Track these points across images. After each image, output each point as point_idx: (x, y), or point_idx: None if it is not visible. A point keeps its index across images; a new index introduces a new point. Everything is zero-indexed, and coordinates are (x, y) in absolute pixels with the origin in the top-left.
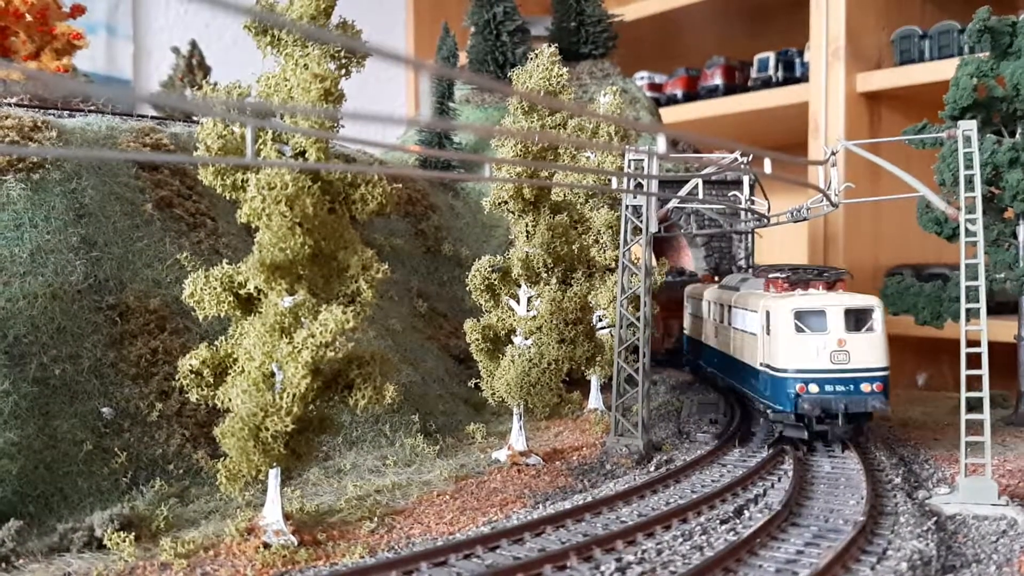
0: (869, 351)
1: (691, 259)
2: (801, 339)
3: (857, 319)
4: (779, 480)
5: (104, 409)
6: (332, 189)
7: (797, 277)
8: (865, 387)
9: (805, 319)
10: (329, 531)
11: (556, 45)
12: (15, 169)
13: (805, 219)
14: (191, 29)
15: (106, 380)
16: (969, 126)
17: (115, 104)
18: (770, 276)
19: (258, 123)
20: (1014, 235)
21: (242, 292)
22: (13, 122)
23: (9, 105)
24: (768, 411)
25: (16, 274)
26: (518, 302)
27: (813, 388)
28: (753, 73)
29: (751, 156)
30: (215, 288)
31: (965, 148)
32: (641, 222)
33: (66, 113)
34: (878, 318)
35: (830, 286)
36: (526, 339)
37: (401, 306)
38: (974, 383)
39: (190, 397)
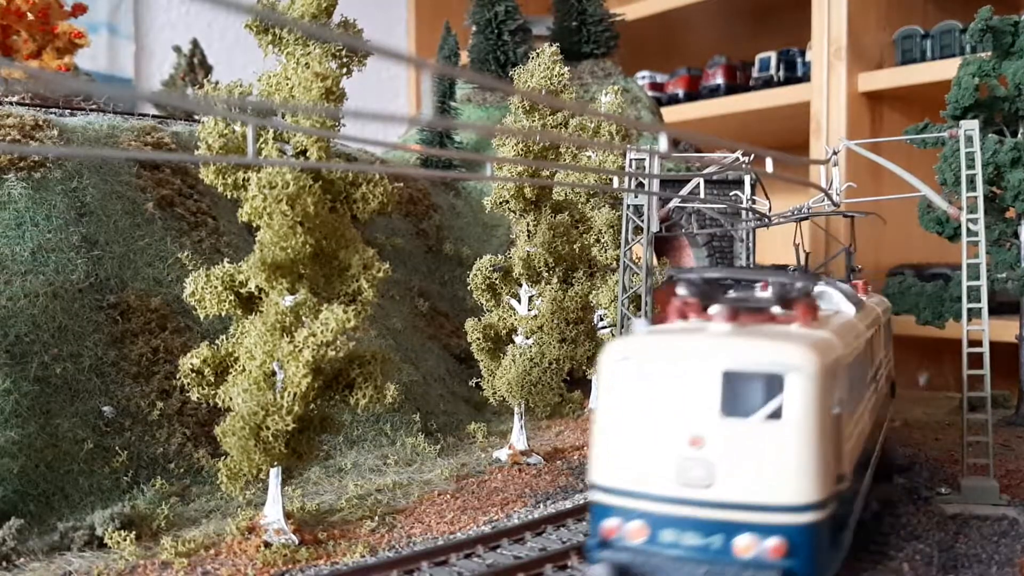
0: (761, 466)
1: (692, 259)
2: (628, 426)
3: (748, 393)
4: None
5: (105, 408)
6: (333, 188)
7: (698, 290)
8: (742, 546)
9: (641, 386)
10: (330, 530)
11: (557, 44)
12: (16, 168)
13: (806, 219)
14: (193, 28)
15: (107, 379)
16: (971, 126)
17: (116, 103)
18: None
19: (259, 122)
20: (1015, 235)
21: (243, 291)
22: (15, 121)
23: (11, 104)
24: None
25: (17, 273)
26: (519, 301)
27: (635, 531)
28: (755, 73)
29: (752, 156)
30: (216, 287)
31: (967, 148)
32: (642, 221)
33: (67, 112)
34: (801, 392)
35: (780, 312)
36: (527, 338)
37: (402, 305)
38: (976, 383)
39: (191, 396)
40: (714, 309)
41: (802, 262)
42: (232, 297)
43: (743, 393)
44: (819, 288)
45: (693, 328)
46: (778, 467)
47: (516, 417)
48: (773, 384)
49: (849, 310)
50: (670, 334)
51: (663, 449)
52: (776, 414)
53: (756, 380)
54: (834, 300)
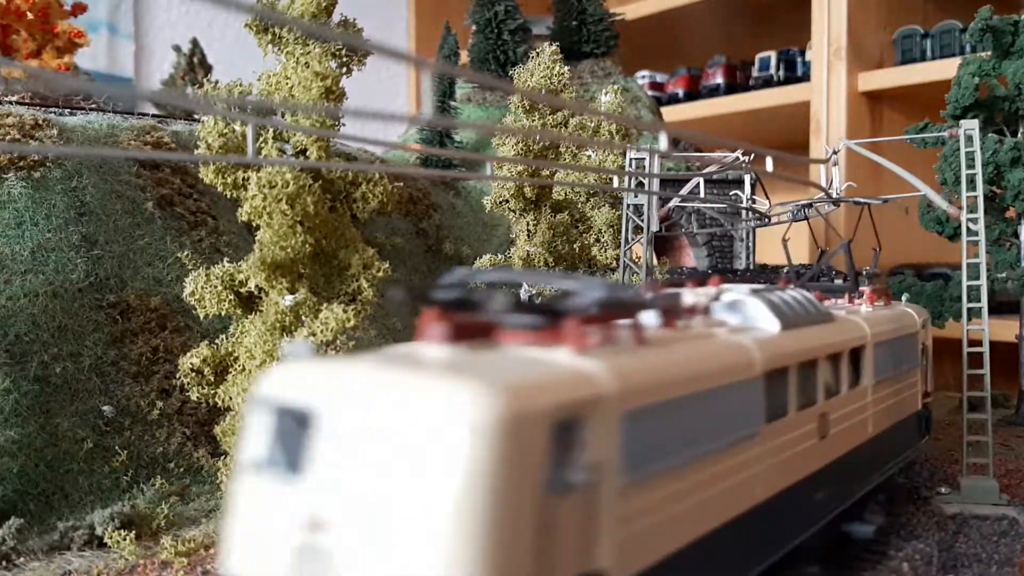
0: (398, 562)
1: (692, 258)
2: (256, 493)
3: (390, 455)
4: None
5: (105, 407)
6: (333, 188)
7: (456, 298)
8: None
9: (270, 438)
10: None
11: (557, 44)
12: (16, 167)
13: (806, 218)
14: (193, 28)
15: (107, 378)
16: (971, 125)
17: (116, 102)
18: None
19: (259, 121)
20: (1015, 235)
21: (243, 291)
22: (14, 120)
23: (10, 103)
24: None
25: (17, 272)
26: None
27: None
28: (754, 72)
29: (752, 155)
30: (216, 287)
31: (967, 147)
32: (642, 221)
33: (67, 111)
34: (466, 453)
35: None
36: None
37: (402, 305)
38: (976, 383)
39: (191, 396)
40: (434, 328)
41: (792, 260)
42: (232, 297)
43: (383, 455)
44: (732, 297)
45: (383, 356)
46: (423, 565)
47: None
48: (428, 442)
49: (770, 327)
50: (328, 363)
51: (283, 532)
52: (426, 485)
53: (403, 436)
54: (749, 313)
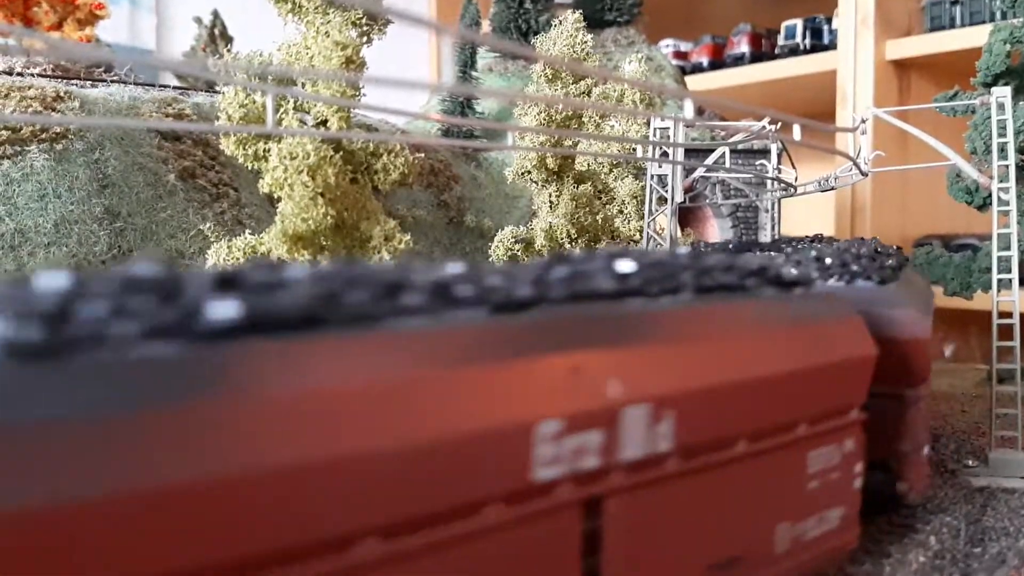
0: None
1: (716, 230)
2: None
3: None
4: None
5: None
6: (354, 159)
7: None
8: None
9: None
10: None
11: (580, 12)
12: (39, 140)
13: (833, 188)
14: None
15: None
16: (1003, 93)
17: (138, 74)
18: None
19: (279, 91)
20: None
21: None
22: (36, 92)
23: (32, 75)
24: None
25: (41, 244)
26: None
27: None
28: (780, 40)
29: (779, 124)
30: (238, 258)
31: (999, 115)
32: (666, 192)
33: (88, 84)
34: None
35: None
36: None
37: None
38: (1005, 355)
39: None
40: None
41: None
42: None
43: None
44: None
45: None
46: None
47: None
48: None
49: None
50: None
51: None
52: None
53: None
54: None
